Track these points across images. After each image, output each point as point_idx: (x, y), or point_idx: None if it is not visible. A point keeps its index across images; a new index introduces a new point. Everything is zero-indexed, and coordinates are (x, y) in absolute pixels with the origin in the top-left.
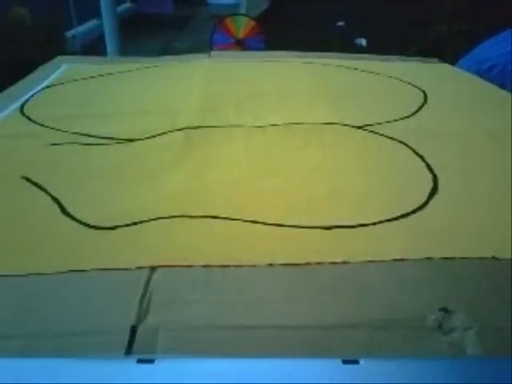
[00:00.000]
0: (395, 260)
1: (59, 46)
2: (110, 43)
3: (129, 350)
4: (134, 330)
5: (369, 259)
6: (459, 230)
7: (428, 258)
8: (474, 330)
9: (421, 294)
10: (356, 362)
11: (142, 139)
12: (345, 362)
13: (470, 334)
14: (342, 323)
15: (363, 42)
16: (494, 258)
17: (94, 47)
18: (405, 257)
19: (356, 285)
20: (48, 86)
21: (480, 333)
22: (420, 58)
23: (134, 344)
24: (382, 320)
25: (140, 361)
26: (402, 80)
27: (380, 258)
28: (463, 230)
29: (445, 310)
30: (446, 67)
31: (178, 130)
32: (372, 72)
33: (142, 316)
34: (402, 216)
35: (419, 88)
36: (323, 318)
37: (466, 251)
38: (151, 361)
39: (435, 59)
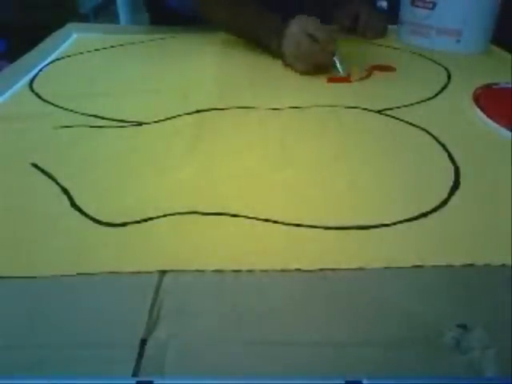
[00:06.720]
0: (414, 267)
1: (71, 7)
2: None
3: (137, 367)
4: (143, 344)
5: (386, 265)
6: (482, 232)
7: (448, 266)
8: (493, 350)
9: (439, 307)
10: (359, 382)
11: (152, 123)
12: (348, 382)
13: (489, 354)
14: (355, 341)
15: (384, 4)
16: None
17: (106, 7)
18: (424, 263)
19: (371, 295)
20: (58, 59)
21: (500, 353)
22: None
23: (143, 360)
24: (397, 337)
25: (139, 383)
26: (423, 56)
27: (398, 265)
28: (486, 233)
29: (463, 326)
30: None
31: (190, 113)
32: (389, 46)
33: (151, 328)
34: (422, 215)
35: (442, 65)
36: (335, 334)
37: (488, 257)
38: (150, 383)
39: None
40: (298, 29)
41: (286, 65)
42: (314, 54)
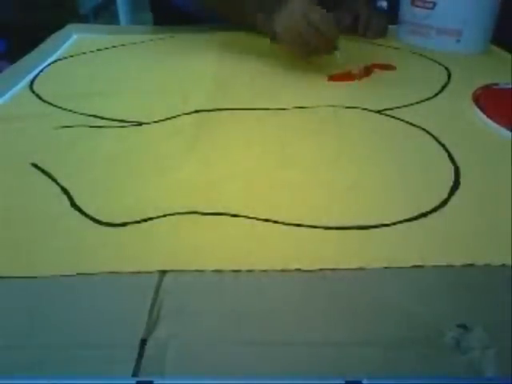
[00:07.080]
0: (414, 267)
1: (71, 7)
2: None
3: (137, 367)
4: (143, 344)
5: (386, 265)
6: (482, 232)
7: (449, 266)
8: (493, 350)
9: (439, 307)
10: (359, 383)
11: (151, 123)
12: (348, 382)
13: (489, 354)
14: (355, 341)
15: (384, 4)
16: None
17: (106, 7)
18: (424, 263)
19: (372, 295)
20: (58, 59)
21: (500, 353)
22: None
23: (143, 360)
24: (397, 337)
25: (139, 383)
26: (423, 56)
27: (398, 265)
28: (486, 233)
29: (463, 326)
30: None
31: (189, 113)
32: (389, 46)
33: (151, 328)
34: (422, 215)
35: (442, 64)
36: (335, 334)
37: (488, 257)
38: (150, 382)
39: None
40: (300, 10)
41: (277, 43)
42: (313, 38)
